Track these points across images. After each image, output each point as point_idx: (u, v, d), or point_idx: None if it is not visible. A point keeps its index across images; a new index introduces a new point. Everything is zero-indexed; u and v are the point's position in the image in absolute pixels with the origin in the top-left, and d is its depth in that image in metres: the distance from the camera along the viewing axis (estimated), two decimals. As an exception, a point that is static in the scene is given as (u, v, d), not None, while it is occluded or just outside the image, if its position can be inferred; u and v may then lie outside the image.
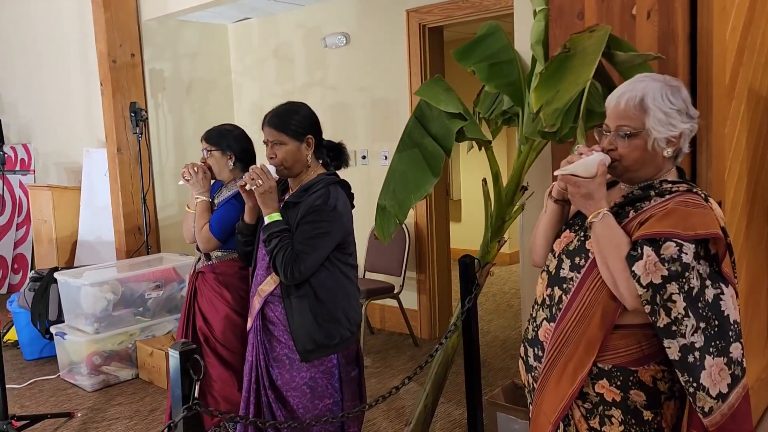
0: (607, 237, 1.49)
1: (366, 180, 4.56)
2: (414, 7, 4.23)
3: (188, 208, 2.65)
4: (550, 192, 1.70)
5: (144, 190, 4.71)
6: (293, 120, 2.13)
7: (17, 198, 6.14)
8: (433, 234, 4.51)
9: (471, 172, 6.76)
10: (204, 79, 5.29)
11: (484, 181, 2.84)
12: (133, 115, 4.36)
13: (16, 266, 6.17)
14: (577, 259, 1.57)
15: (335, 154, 2.28)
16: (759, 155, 2.92)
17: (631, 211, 1.53)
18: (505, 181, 2.82)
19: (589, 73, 2.04)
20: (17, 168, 6.22)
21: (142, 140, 4.57)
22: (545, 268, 1.68)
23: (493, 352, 4.24)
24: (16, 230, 6.15)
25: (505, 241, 2.84)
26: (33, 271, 4.35)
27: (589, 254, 1.54)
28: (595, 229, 1.51)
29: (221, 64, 5.40)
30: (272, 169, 2.10)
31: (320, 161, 2.23)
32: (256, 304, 2.15)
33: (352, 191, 2.23)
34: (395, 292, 4.26)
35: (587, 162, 1.52)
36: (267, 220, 2.06)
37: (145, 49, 4.85)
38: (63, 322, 3.98)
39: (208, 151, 2.58)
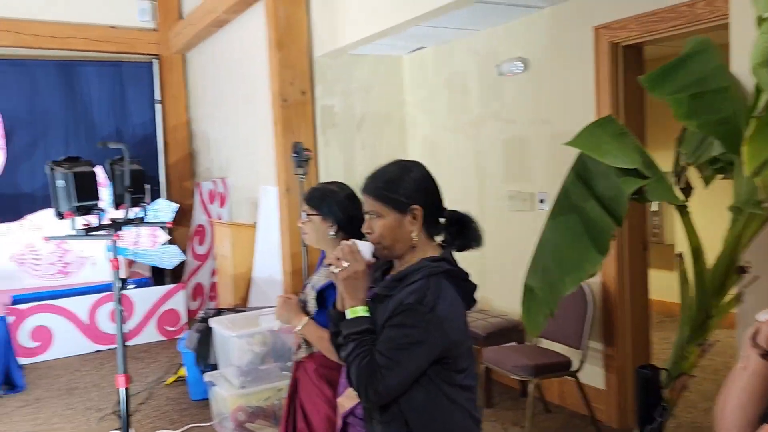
0: None
1: (543, 228, 3.87)
2: (603, 23, 3.47)
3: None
4: (755, 338, 0.98)
5: (309, 232, 4.56)
6: (394, 185, 1.62)
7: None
8: (626, 295, 3.65)
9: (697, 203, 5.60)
10: (377, 114, 5.04)
11: (680, 256, 2.06)
12: (296, 155, 4.23)
13: (212, 294, 6.53)
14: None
15: (459, 229, 1.70)
16: None
17: None
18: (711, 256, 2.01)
19: None
20: (214, 202, 6.60)
21: (306, 180, 4.42)
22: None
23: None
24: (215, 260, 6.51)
25: (711, 347, 2.01)
26: (202, 311, 4.42)
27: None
28: None
29: (396, 97, 5.11)
30: (366, 247, 1.62)
31: (435, 239, 1.70)
32: (338, 420, 1.69)
33: (471, 281, 1.65)
34: (573, 369, 3.49)
35: None
36: (348, 314, 1.59)
37: (317, 85, 4.74)
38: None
39: (307, 214, 2.20)
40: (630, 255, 3.64)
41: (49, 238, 2.80)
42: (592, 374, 3.70)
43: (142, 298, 5.87)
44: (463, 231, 1.70)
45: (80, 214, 2.49)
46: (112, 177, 2.69)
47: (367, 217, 1.67)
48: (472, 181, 4.43)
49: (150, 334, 5.87)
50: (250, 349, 3.63)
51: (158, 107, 7.10)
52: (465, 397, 1.59)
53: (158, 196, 6.85)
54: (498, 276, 4.26)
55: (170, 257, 5.96)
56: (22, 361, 5.17)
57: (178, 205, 5.48)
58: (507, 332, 4.00)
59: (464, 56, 4.51)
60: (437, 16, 3.77)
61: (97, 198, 2.55)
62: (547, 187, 3.99)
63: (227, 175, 6.46)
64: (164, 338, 5.90)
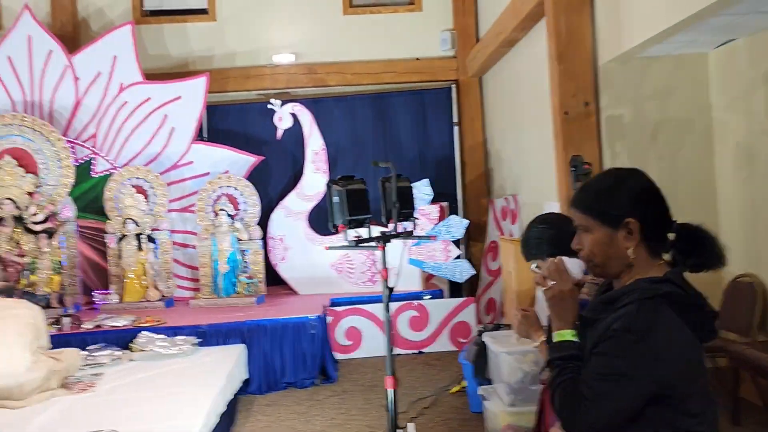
0: None
1: None
2: None
3: None
4: None
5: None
6: (604, 197, 1.45)
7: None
8: None
9: None
10: (675, 121, 4.50)
11: None
12: (573, 169, 4.03)
13: (503, 309, 6.60)
14: None
15: (691, 246, 1.44)
16: None
17: None
18: None
19: None
20: (506, 218, 6.69)
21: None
22: None
23: None
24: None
25: None
26: (481, 325, 4.50)
27: None
28: None
29: (699, 100, 4.50)
30: (575, 264, 1.48)
31: (662, 257, 1.46)
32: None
33: (707, 307, 1.36)
34: None
35: None
36: (555, 337, 1.46)
37: (602, 95, 4.45)
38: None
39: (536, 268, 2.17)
40: None
41: (329, 248, 3.21)
42: None
43: (437, 309, 6.22)
44: (696, 248, 1.42)
45: (352, 227, 2.79)
46: (383, 193, 2.95)
47: (577, 232, 1.52)
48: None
49: (443, 344, 6.19)
50: (520, 367, 3.56)
51: (456, 129, 7.52)
52: (703, 450, 1.32)
53: (455, 213, 7.24)
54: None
55: (461, 271, 6.24)
56: (337, 356, 5.94)
57: (468, 221, 5.72)
58: None
59: (786, 43, 3.75)
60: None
61: (367, 213, 2.83)
62: None
63: (518, 192, 6.49)
64: (455, 348, 6.15)
